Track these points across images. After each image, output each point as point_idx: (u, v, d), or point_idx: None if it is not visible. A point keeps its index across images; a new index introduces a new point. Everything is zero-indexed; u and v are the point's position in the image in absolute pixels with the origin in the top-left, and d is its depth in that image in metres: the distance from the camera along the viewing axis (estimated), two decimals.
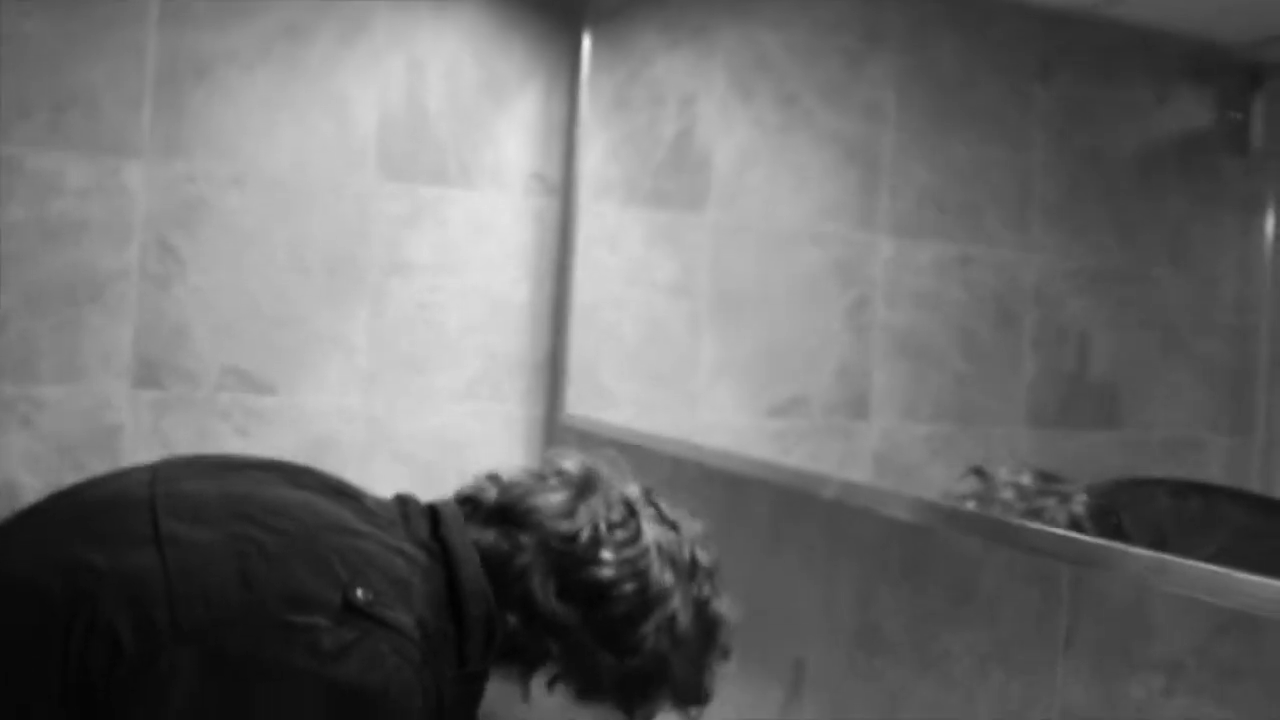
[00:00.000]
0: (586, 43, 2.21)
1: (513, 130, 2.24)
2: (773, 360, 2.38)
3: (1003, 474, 1.48)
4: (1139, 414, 2.37)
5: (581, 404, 2.28)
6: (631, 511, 1.07)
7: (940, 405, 2.45)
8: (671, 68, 2.29)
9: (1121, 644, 1.08)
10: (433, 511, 1.06)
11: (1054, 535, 1.16)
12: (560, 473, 1.09)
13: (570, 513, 1.04)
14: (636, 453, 2.11)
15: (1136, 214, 2.45)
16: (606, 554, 1.02)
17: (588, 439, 2.31)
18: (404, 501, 1.08)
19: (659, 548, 1.05)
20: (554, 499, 1.05)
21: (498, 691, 1.02)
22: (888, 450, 2.42)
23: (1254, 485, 2.15)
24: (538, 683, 1.02)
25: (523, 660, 1.02)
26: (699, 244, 2.33)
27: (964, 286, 2.45)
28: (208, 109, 2.07)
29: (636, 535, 1.05)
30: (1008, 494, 1.43)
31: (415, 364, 2.30)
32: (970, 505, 1.42)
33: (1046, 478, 1.45)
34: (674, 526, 1.10)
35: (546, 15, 2.23)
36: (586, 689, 1.03)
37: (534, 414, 2.49)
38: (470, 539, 1.02)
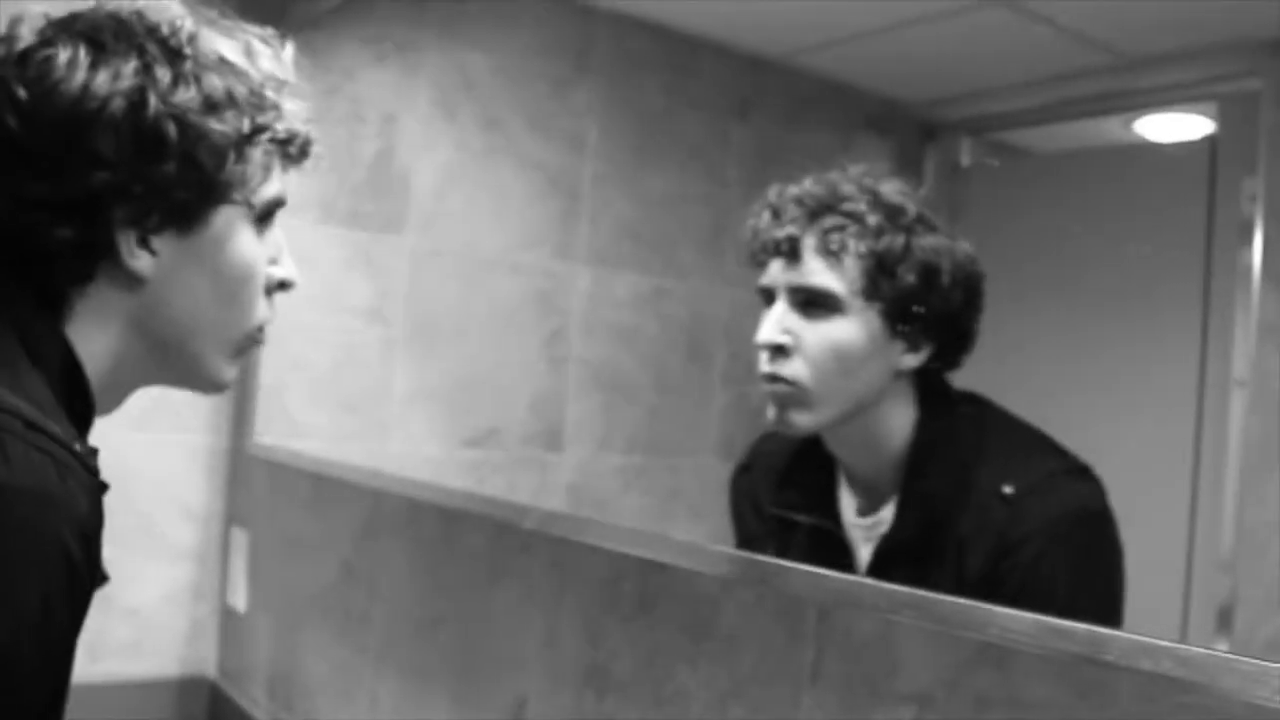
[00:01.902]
0: (287, 52, 2.10)
1: None
2: (468, 390, 2.33)
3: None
4: None
5: (270, 432, 2.15)
6: (44, 41, 0.89)
7: (633, 437, 2.47)
8: (374, 83, 2.20)
9: (869, 678, 1.09)
10: None
11: (799, 570, 1.16)
12: None
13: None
14: (333, 485, 2.01)
15: None
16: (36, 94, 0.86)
17: (279, 470, 2.18)
18: None
19: (85, 44, 0.88)
20: None
21: (119, 305, 0.91)
22: (581, 481, 2.41)
23: None
24: (131, 256, 0.90)
25: (104, 255, 0.89)
26: (396, 268, 2.25)
27: (658, 319, 2.47)
28: None
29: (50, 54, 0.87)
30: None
31: None
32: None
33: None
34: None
35: (245, 19, 2.09)
36: (179, 217, 0.91)
37: (218, 444, 2.33)
38: None
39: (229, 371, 1.01)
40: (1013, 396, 1.33)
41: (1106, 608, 1.21)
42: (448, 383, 2.31)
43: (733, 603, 1.23)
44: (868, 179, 1.29)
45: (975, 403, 1.34)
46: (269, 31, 1.01)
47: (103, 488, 0.82)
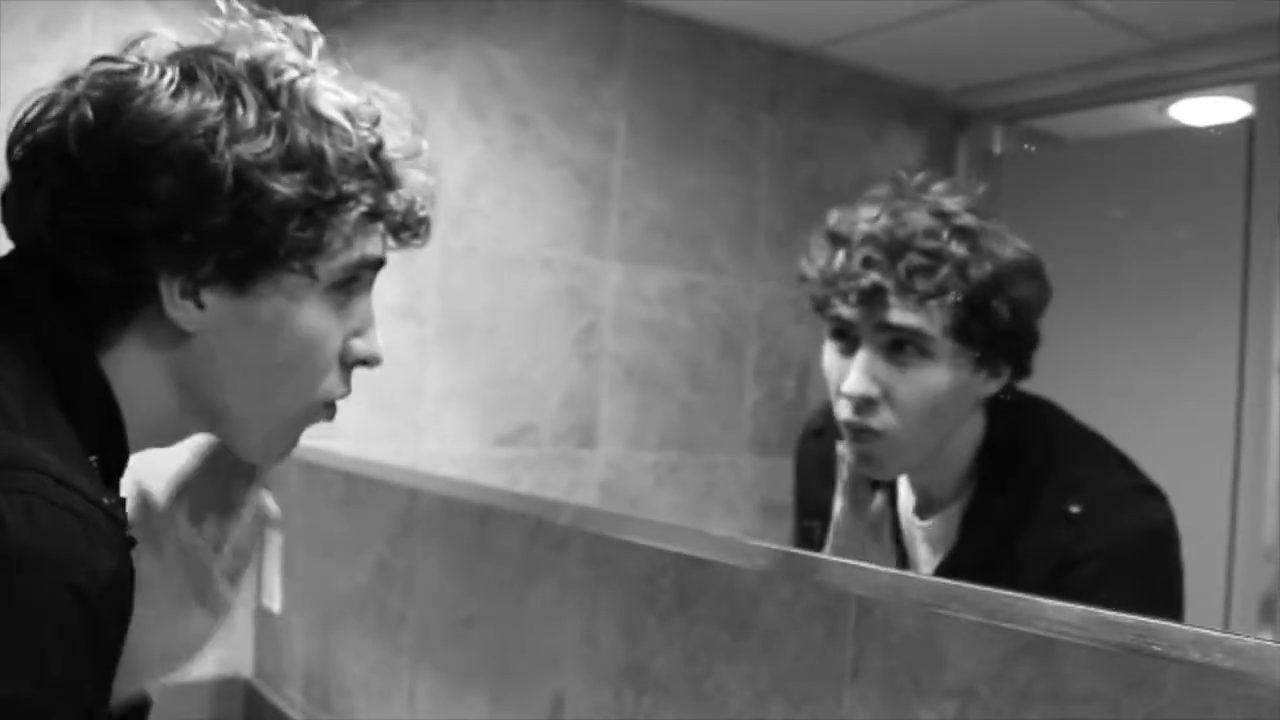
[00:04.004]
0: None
1: None
2: (501, 388, 2.32)
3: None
4: None
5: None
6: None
7: (666, 433, 2.45)
8: (402, 81, 2.20)
9: (911, 672, 1.08)
10: None
11: (839, 565, 1.15)
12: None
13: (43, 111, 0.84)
14: (367, 484, 2.01)
15: None
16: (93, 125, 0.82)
17: (313, 470, 2.18)
18: None
19: (159, 73, 0.83)
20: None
21: (160, 356, 0.86)
22: (614, 479, 2.40)
23: None
24: (173, 306, 0.84)
25: (145, 299, 0.84)
26: (427, 266, 2.25)
27: (690, 315, 2.46)
28: None
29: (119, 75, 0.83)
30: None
31: None
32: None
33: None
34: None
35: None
36: (230, 275, 0.84)
37: None
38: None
39: (278, 447, 0.95)
40: (1050, 387, 1.31)
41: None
42: (480, 380, 2.31)
43: (772, 598, 1.21)
44: (931, 197, 1.22)
45: (1041, 410, 1.29)
46: (402, 98, 0.95)
47: (131, 542, 0.78)
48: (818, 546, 1.35)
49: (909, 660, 1.08)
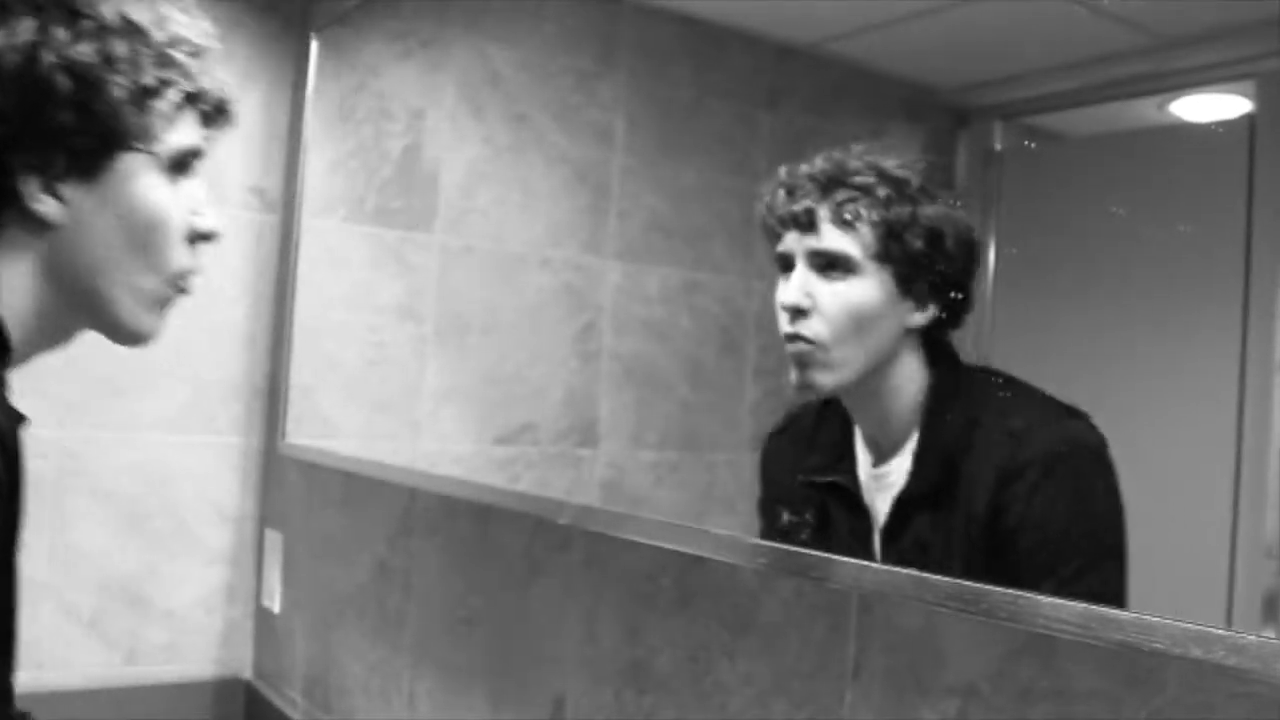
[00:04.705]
0: (313, 49, 2.09)
1: (230, 139, 2.09)
2: (500, 387, 2.32)
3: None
4: None
5: (301, 432, 2.15)
6: None
7: (666, 432, 2.45)
8: (400, 79, 2.19)
9: (913, 671, 1.07)
10: None
11: (839, 562, 1.14)
12: None
13: None
14: (367, 484, 2.00)
15: None
16: None
17: (312, 470, 2.17)
18: None
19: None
20: None
21: (31, 250, 0.98)
22: (615, 477, 2.40)
23: None
24: (35, 201, 0.97)
25: (9, 202, 0.97)
26: (426, 265, 2.24)
27: (690, 313, 2.45)
28: None
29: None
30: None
31: (116, 390, 2.11)
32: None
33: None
34: None
35: (271, 18, 2.09)
36: (80, 164, 0.98)
37: (250, 444, 2.33)
38: None
39: (148, 321, 1.06)
40: (1050, 382, 1.33)
41: (1109, 538, 1.25)
42: (479, 380, 2.30)
43: (772, 596, 1.21)
44: (870, 156, 1.45)
45: (983, 367, 1.44)
46: (189, 2, 1.07)
47: (19, 416, 0.89)
48: (783, 532, 1.42)
49: (910, 658, 1.07)
